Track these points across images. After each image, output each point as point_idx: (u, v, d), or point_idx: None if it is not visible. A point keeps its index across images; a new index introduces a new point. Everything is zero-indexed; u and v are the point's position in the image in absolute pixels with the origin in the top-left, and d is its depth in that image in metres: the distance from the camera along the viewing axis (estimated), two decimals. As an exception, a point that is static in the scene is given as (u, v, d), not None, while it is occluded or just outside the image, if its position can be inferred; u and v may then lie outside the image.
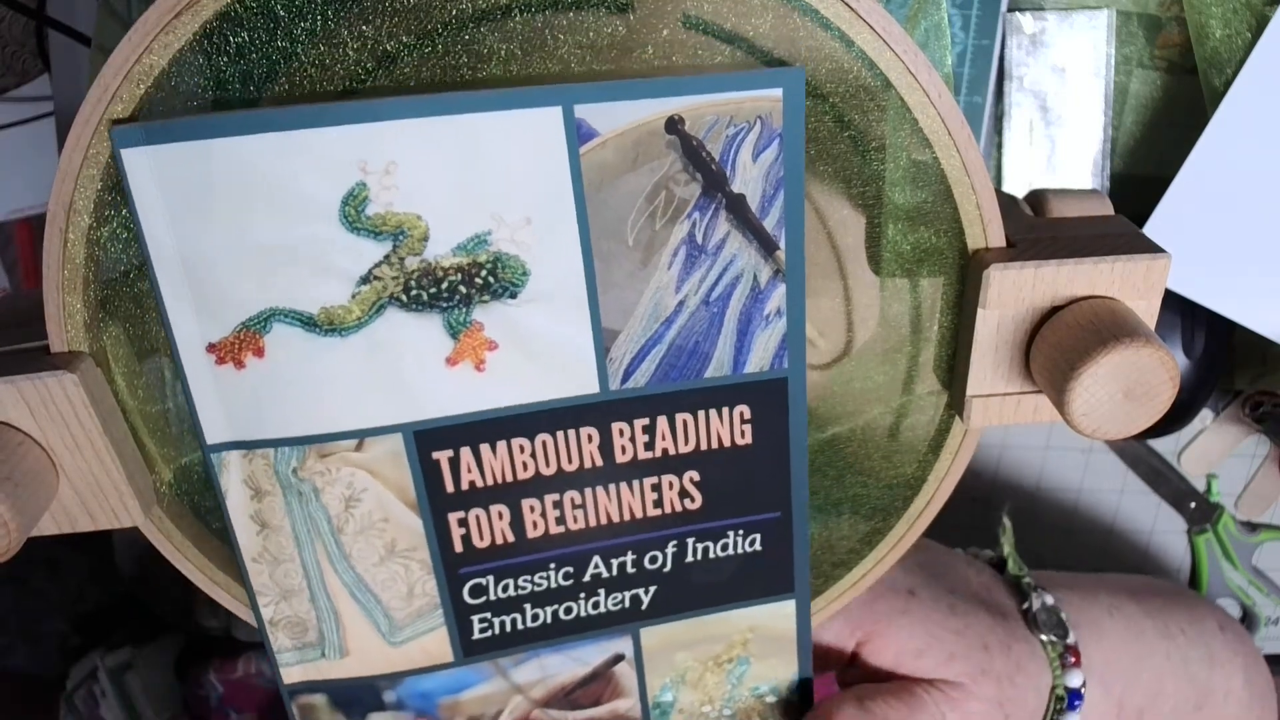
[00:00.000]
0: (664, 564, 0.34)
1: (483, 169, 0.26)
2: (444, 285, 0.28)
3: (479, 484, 0.31)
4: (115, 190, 0.27)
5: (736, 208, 0.28)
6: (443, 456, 0.30)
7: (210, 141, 0.25)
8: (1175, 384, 0.28)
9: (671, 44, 0.27)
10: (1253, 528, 0.65)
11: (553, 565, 0.33)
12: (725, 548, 0.34)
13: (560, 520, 0.32)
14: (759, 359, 0.30)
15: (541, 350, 0.29)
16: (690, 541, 0.33)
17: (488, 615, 0.33)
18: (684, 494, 0.32)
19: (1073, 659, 0.41)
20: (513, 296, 0.28)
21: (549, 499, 0.32)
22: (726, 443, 0.32)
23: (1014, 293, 0.30)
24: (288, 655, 0.34)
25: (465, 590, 0.33)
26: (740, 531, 0.33)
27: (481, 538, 0.32)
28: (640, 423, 0.31)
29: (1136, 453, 0.63)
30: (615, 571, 0.34)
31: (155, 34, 0.25)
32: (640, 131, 0.26)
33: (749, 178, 0.28)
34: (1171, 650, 0.45)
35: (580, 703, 0.36)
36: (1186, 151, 0.46)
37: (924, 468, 0.35)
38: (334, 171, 0.26)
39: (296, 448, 0.30)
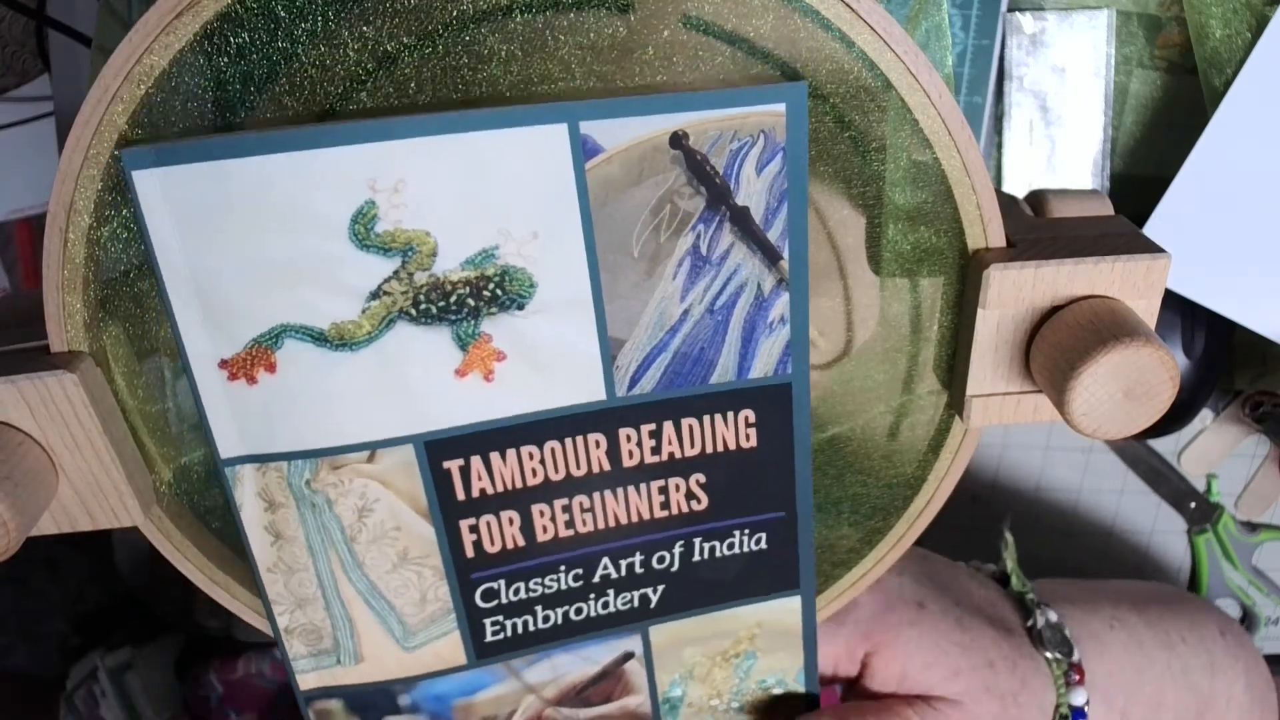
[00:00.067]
0: (672, 564, 0.34)
1: (490, 185, 0.26)
2: (452, 299, 0.28)
3: (489, 491, 0.31)
4: (115, 190, 0.27)
5: (740, 220, 0.28)
6: (453, 465, 0.31)
7: (220, 163, 0.25)
8: (1175, 384, 0.28)
9: (672, 45, 0.27)
10: (1253, 528, 0.65)
11: (563, 568, 0.33)
12: (731, 547, 0.34)
13: (569, 524, 0.33)
14: (763, 365, 0.31)
15: (549, 360, 0.29)
16: (697, 541, 0.34)
17: (499, 618, 0.34)
18: (690, 496, 0.33)
19: (1077, 677, 0.42)
20: (520, 308, 0.28)
21: (558, 504, 0.32)
22: (732, 446, 0.32)
23: (1014, 293, 0.30)
24: (303, 662, 0.34)
25: (477, 595, 0.33)
26: (746, 531, 0.34)
27: (492, 543, 0.32)
28: (647, 428, 0.31)
29: (1136, 453, 0.63)
30: (624, 572, 0.34)
31: (156, 34, 0.25)
32: (645, 147, 0.27)
33: (753, 191, 0.28)
34: (1172, 660, 0.45)
35: (592, 700, 0.37)
36: (1186, 151, 0.46)
37: (924, 467, 0.35)
38: (343, 190, 0.26)
39: (309, 460, 0.30)
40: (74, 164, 0.26)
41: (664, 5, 0.27)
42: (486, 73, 0.27)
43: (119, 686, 0.73)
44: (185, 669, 0.75)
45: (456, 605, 0.33)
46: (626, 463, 0.32)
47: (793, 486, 0.33)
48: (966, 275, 0.31)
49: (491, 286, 0.28)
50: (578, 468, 0.32)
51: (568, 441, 0.31)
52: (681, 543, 0.34)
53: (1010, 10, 0.49)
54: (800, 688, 0.39)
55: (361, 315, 0.28)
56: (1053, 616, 0.43)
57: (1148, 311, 0.30)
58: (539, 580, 0.33)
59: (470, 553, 0.32)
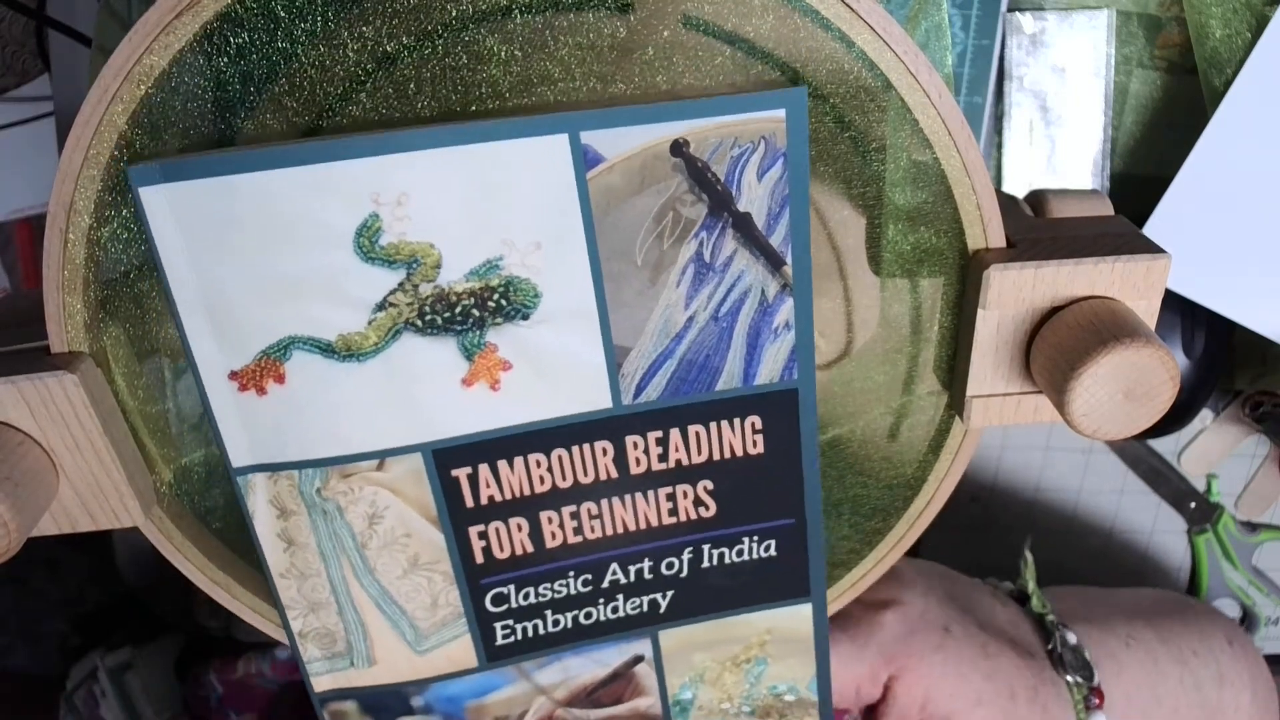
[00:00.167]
0: (680, 570, 0.34)
1: (492, 197, 0.27)
2: (457, 309, 0.28)
3: (497, 498, 0.32)
4: (115, 191, 0.27)
5: (743, 226, 0.28)
6: (461, 474, 0.31)
7: (226, 178, 0.26)
8: (1175, 384, 0.28)
9: (672, 45, 0.27)
10: (1253, 528, 0.65)
11: (571, 573, 0.34)
12: (740, 553, 0.34)
13: (578, 530, 0.33)
14: (769, 371, 0.31)
15: (555, 369, 0.29)
16: (706, 548, 0.34)
17: (510, 622, 0.34)
18: (698, 502, 0.33)
19: (1096, 700, 0.42)
20: (525, 318, 0.28)
21: (566, 510, 0.32)
22: (739, 452, 0.32)
23: (1014, 293, 0.30)
24: (318, 665, 0.34)
25: (487, 599, 0.33)
26: (755, 538, 0.34)
27: (501, 549, 0.33)
28: (654, 435, 0.31)
29: (1136, 453, 0.63)
30: (633, 578, 0.34)
31: (156, 34, 0.25)
32: (646, 155, 0.27)
33: (754, 196, 0.28)
34: (1185, 675, 0.46)
35: (602, 701, 0.37)
36: (1186, 151, 0.46)
37: (924, 468, 0.35)
38: (347, 204, 0.26)
39: (319, 469, 0.30)
40: (74, 164, 0.26)
41: (664, 5, 0.27)
42: (486, 73, 0.27)
43: (119, 686, 0.73)
44: (185, 669, 0.75)
45: (467, 609, 0.34)
46: (634, 470, 0.32)
47: (801, 493, 0.33)
48: (966, 275, 0.31)
49: (496, 297, 0.28)
50: (585, 475, 0.32)
51: (575, 449, 0.31)
52: (690, 549, 0.34)
53: (1010, 10, 0.49)
54: (813, 696, 0.38)
55: (368, 327, 0.28)
56: (1072, 638, 0.43)
57: (1148, 312, 0.30)
58: (548, 585, 0.34)
59: (480, 558, 0.33)
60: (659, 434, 0.31)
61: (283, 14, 0.26)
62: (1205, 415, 0.61)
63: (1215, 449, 0.62)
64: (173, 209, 0.26)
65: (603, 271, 0.28)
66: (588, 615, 0.35)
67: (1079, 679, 0.42)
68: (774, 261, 0.29)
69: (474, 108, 0.28)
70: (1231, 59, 0.46)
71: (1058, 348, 0.29)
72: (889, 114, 0.28)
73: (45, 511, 0.30)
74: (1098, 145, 0.51)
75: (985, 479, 0.63)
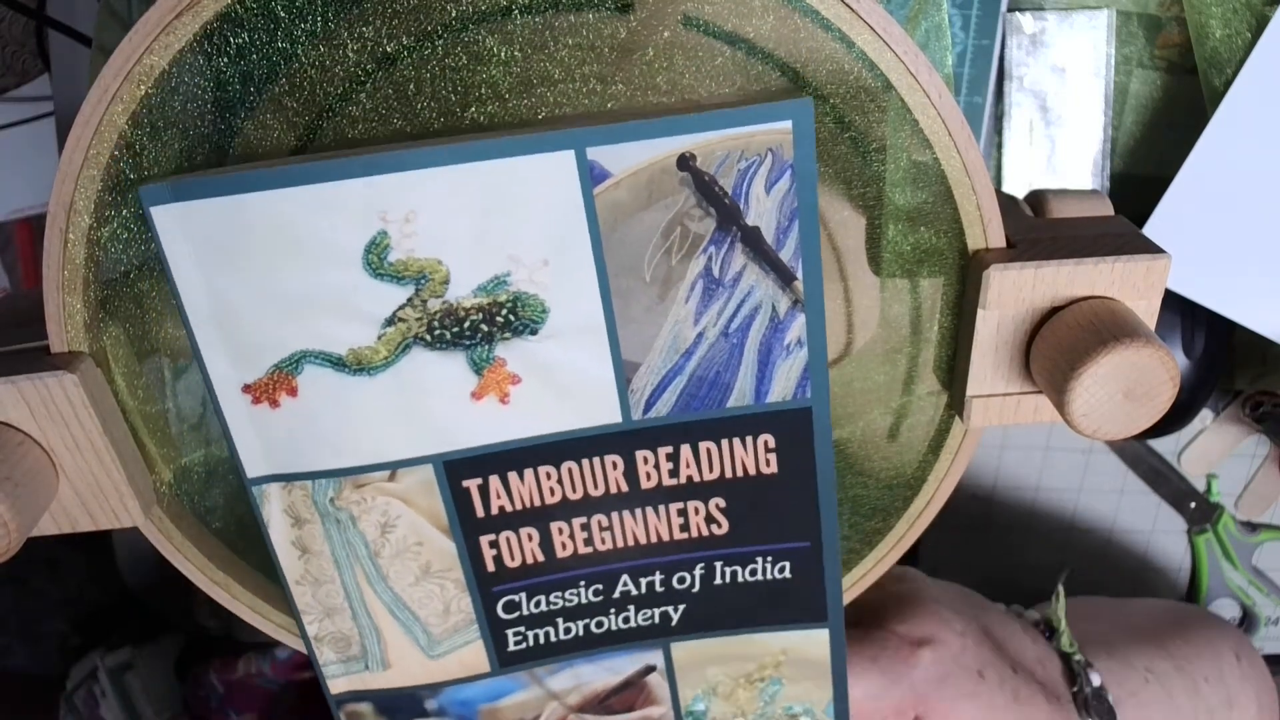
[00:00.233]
0: (692, 585, 0.34)
1: (500, 213, 0.27)
2: (466, 325, 0.28)
3: (508, 509, 0.32)
4: (115, 190, 0.27)
5: (752, 240, 0.28)
6: (472, 484, 0.31)
7: (235, 197, 0.26)
8: (1175, 384, 0.28)
9: (672, 45, 0.27)
10: (1253, 528, 0.65)
11: (582, 583, 0.34)
12: (754, 573, 0.34)
13: (588, 541, 0.33)
14: (781, 389, 0.30)
15: (564, 383, 0.29)
16: (718, 565, 0.34)
17: (521, 629, 0.34)
18: (710, 519, 0.33)
19: None
20: (533, 333, 0.29)
21: (576, 522, 0.32)
22: (751, 471, 0.32)
23: (1014, 293, 0.30)
24: (333, 667, 0.35)
25: (499, 606, 0.34)
26: (769, 559, 0.33)
27: (512, 558, 0.33)
28: (664, 450, 0.31)
29: (1136, 453, 0.63)
30: (644, 590, 0.34)
31: (156, 34, 0.25)
32: (653, 170, 0.27)
33: (763, 210, 0.28)
34: (1199, 705, 0.46)
35: (615, 708, 0.37)
36: (1186, 151, 0.46)
37: (924, 468, 0.35)
38: (356, 222, 0.26)
39: (333, 479, 0.31)
40: (74, 164, 0.26)
41: (664, 6, 0.27)
42: (486, 74, 0.27)
43: (119, 686, 0.73)
44: (185, 669, 0.75)
45: (479, 616, 0.34)
46: (644, 484, 0.32)
47: (817, 517, 0.33)
48: (966, 276, 0.31)
49: (504, 312, 0.28)
50: (595, 488, 0.32)
51: (584, 462, 0.31)
52: (702, 565, 0.34)
53: (1010, 10, 0.49)
54: None
55: (378, 341, 0.28)
56: (1095, 679, 0.44)
57: (1148, 312, 0.30)
58: (559, 594, 0.34)
59: (491, 567, 0.33)
60: (669, 449, 0.31)
61: (283, 14, 0.26)
62: (1205, 415, 0.61)
63: (1215, 449, 0.62)
64: (184, 227, 0.26)
65: (611, 287, 0.28)
66: (599, 624, 0.35)
67: None
68: (784, 277, 0.29)
69: (474, 109, 0.28)
70: (1231, 59, 0.46)
71: (1058, 348, 0.29)
72: (889, 114, 0.28)
73: (45, 511, 0.30)
74: (1098, 145, 0.51)
75: (985, 479, 0.63)
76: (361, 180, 0.26)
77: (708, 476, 0.32)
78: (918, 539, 0.36)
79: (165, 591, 0.77)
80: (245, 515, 0.32)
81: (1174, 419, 0.56)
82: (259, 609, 0.35)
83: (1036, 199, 0.33)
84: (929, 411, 0.34)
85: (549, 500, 0.32)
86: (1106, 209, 0.32)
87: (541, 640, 0.35)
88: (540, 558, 0.33)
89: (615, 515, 0.32)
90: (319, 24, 0.26)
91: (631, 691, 0.37)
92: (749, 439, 0.31)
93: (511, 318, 0.28)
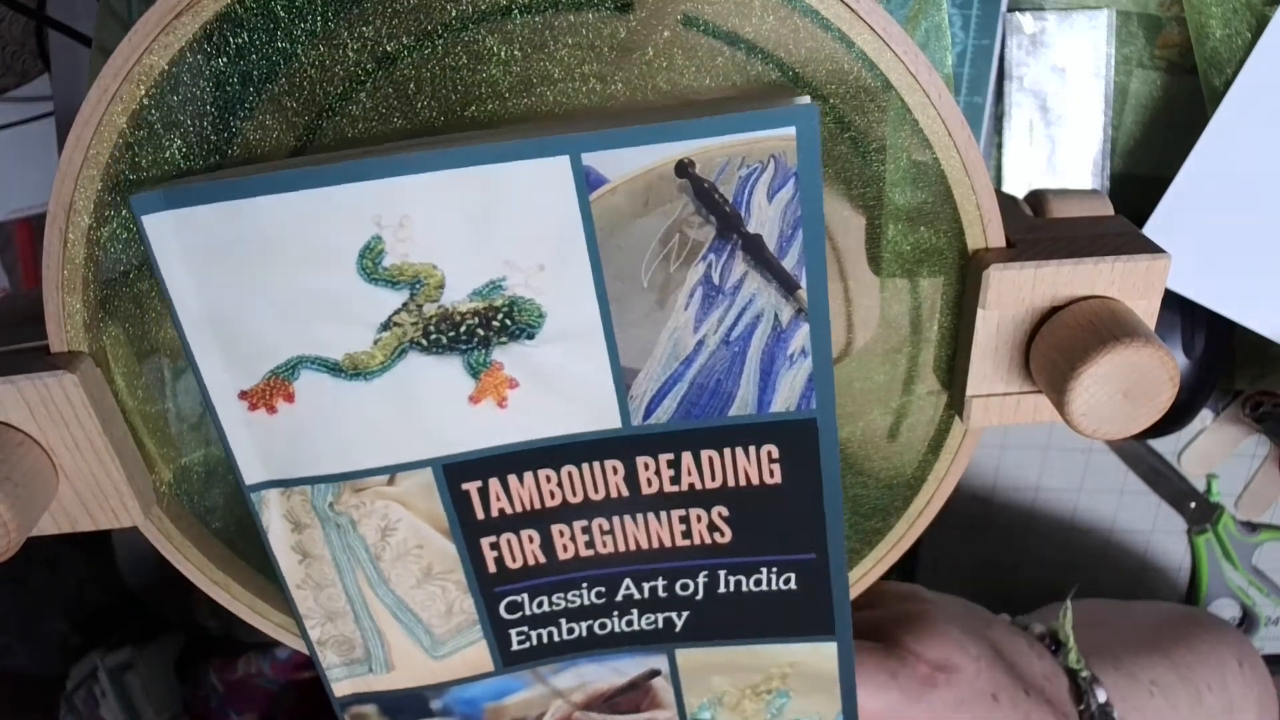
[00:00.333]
0: (696, 592, 0.34)
1: (494, 218, 0.26)
2: (462, 329, 0.28)
3: (508, 511, 0.32)
4: (115, 190, 0.27)
5: (753, 248, 0.28)
6: (472, 487, 0.31)
7: (227, 203, 0.26)
8: (1175, 384, 0.28)
9: (672, 45, 0.27)
10: (1253, 528, 0.65)
11: (585, 584, 0.34)
12: (759, 583, 0.33)
13: (590, 544, 0.33)
14: (785, 399, 0.30)
15: (562, 388, 0.29)
16: (722, 574, 0.33)
17: (525, 628, 0.34)
18: (713, 528, 0.32)
19: None
20: (530, 338, 0.28)
21: (577, 525, 0.32)
22: (755, 481, 0.31)
23: (1014, 293, 0.30)
24: (337, 670, 0.35)
25: (501, 607, 0.34)
26: (774, 570, 0.33)
27: (514, 560, 0.33)
28: (665, 457, 0.31)
29: (1136, 453, 0.63)
30: (646, 594, 0.34)
31: (155, 34, 0.25)
32: (650, 176, 0.26)
33: (765, 218, 0.27)
34: (1201, 716, 0.47)
35: (621, 707, 0.37)
36: (1186, 151, 0.46)
37: (924, 468, 0.35)
38: (350, 227, 0.26)
39: (331, 484, 0.31)
40: (74, 164, 0.26)
41: (664, 5, 0.27)
42: (486, 73, 0.27)
43: (119, 686, 0.73)
44: (185, 669, 0.75)
45: (481, 617, 0.34)
46: (645, 490, 0.32)
47: (823, 529, 0.32)
48: (966, 275, 0.31)
49: (500, 317, 0.28)
50: (595, 492, 0.32)
51: (584, 467, 0.31)
52: (705, 573, 0.33)
53: (1010, 10, 0.49)
54: None
55: (374, 346, 0.28)
56: (1101, 695, 0.44)
57: (1148, 312, 0.30)
58: (561, 595, 0.34)
59: (492, 568, 0.33)
60: (670, 456, 0.31)
61: (282, 14, 0.26)
62: (1205, 415, 0.61)
63: (1215, 449, 0.62)
64: (176, 235, 0.26)
65: (608, 293, 0.28)
66: (602, 626, 0.34)
67: None
68: (788, 286, 0.28)
69: (474, 108, 0.28)
70: (1231, 59, 0.46)
71: (1057, 348, 0.29)
72: (889, 114, 0.28)
73: (45, 511, 0.30)
74: (1098, 145, 0.51)
75: (985, 479, 0.63)
76: (354, 185, 0.26)
77: (710, 485, 0.31)
78: (918, 539, 0.36)
79: (165, 591, 0.77)
80: (245, 515, 0.32)
81: (1174, 419, 0.56)
82: (259, 609, 0.35)
83: (1036, 199, 0.33)
84: (929, 411, 0.34)
85: (549, 503, 0.32)
86: (1106, 209, 0.32)
87: (545, 640, 0.35)
88: (542, 559, 0.33)
89: (616, 519, 0.32)
90: (319, 24, 0.26)
91: (636, 693, 0.37)
92: (752, 449, 0.31)
93: (508, 322, 0.28)
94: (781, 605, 0.34)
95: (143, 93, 0.26)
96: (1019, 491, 0.64)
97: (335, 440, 0.30)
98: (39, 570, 0.83)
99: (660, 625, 0.35)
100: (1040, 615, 0.50)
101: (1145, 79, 0.50)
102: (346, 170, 0.26)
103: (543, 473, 0.31)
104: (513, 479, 0.31)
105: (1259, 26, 0.45)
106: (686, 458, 0.31)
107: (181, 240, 0.26)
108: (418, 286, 0.27)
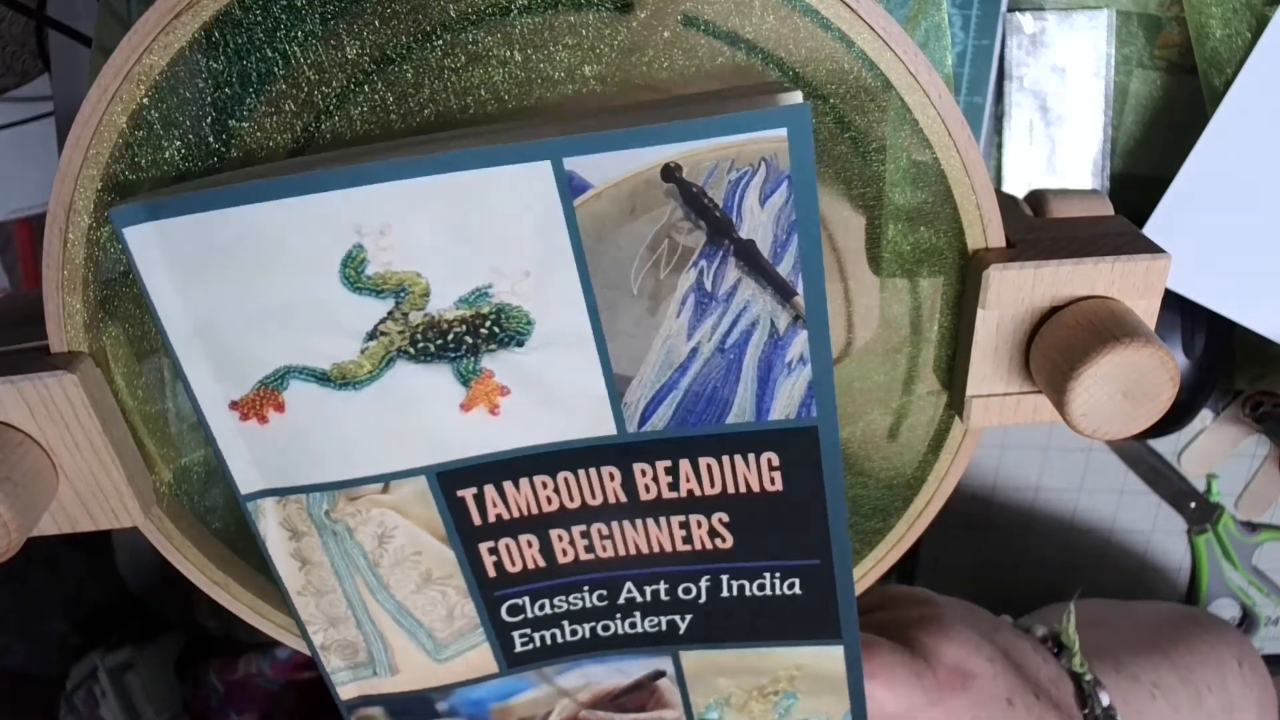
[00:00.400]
0: (699, 596, 0.33)
1: (476, 225, 0.26)
2: (449, 337, 0.28)
3: (505, 516, 0.32)
4: (115, 191, 0.27)
5: (746, 254, 0.27)
6: (467, 494, 0.31)
7: (207, 214, 0.25)
8: (1175, 384, 0.28)
9: (673, 46, 0.27)
10: (1253, 528, 0.65)
11: (586, 587, 0.33)
12: (762, 588, 0.33)
13: (590, 549, 0.33)
14: (784, 406, 0.29)
15: (554, 395, 0.29)
16: (724, 579, 0.33)
17: (527, 631, 0.34)
18: (714, 534, 0.32)
19: None
20: (520, 345, 0.28)
21: (576, 530, 0.32)
22: (755, 488, 0.31)
23: (1014, 293, 0.30)
24: (342, 674, 0.35)
25: (503, 610, 0.34)
26: (777, 575, 0.33)
27: (513, 564, 0.33)
28: (662, 464, 0.31)
29: (1136, 453, 0.63)
30: (649, 598, 0.34)
31: (155, 34, 0.25)
32: (636, 181, 0.25)
33: (758, 223, 0.26)
34: (1201, 717, 0.47)
35: (627, 707, 0.37)
36: (1186, 151, 0.46)
37: (924, 468, 0.35)
38: (330, 235, 0.26)
39: (326, 493, 0.30)
40: (74, 164, 0.26)
41: (664, 6, 0.27)
42: (485, 75, 0.27)
43: (119, 686, 0.73)
44: (185, 669, 0.75)
45: (483, 620, 0.34)
46: (644, 496, 0.31)
47: (826, 535, 0.31)
48: (966, 275, 0.31)
49: (488, 324, 0.28)
50: (593, 498, 0.31)
51: (580, 473, 0.31)
52: (707, 578, 0.33)
53: (1010, 10, 0.49)
54: None
55: (361, 355, 0.28)
56: (1105, 698, 0.44)
57: (1148, 311, 0.30)
58: (563, 598, 0.34)
59: (492, 572, 0.33)
60: (667, 463, 0.30)
61: (281, 15, 0.26)
62: (1205, 415, 0.61)
63: (1215, 449, 0.62)
64: (158, 246, 0.26)
65: (598, 300, 0.27)
66: (605, 628, 0.34)
67: None
68: (783, 292, 0.27)
69: (473, 110, 0.28)
70: (1231, 59, 0.46)
71: (1057, 348, 0.29)
72: (889, 114, 0.28)
73: (45, 511, 0.30)
74: (1098, 145, 0.51)
75: (985, 479, 0.63)
76: (332, 194, 0.25)
77: (709, 491, 0.31)
78: (918, 539, 0.36)
79: (165, 591, 0.77)
80: (245, 516, 0.32)
81: (1174, 419, 0.56)
82: (259, 609, 0.35)
83: (1036, 199, 0.33)
84: (929, 411, 0.34)
85: (547, 509, 0.32)
86: (1106, 209, 0.32)
87: (548, 641, 0.35)
88: (541, 563, 0.33)
89: (615, 525, 0.32)
90: (318, 24, 0.26)
91: (642, 693, 0.36)
92: (751, 457, 0.30)
93: (496, 329, 0.28)
94: (786, 610, 0.33)
95: (142, 93, 0.26)
96: (1019, 491, 0.64)
97: (327, 449, 0.29)
98: (39, 570, 0.83)
99: (664, 628, 0.34)
100: (1040, 616, 0.50)
101: (1145, 79, 0.50)
102: (322, 179, 0.25)
103: (539, 479, 0.31)
104: (508, 485, 0.31)
105: (1259, 26, 0.45)
106: (684, 465, 0.31)
107: (164, 252, 0.26)
108: (402, 295, 0.27)
